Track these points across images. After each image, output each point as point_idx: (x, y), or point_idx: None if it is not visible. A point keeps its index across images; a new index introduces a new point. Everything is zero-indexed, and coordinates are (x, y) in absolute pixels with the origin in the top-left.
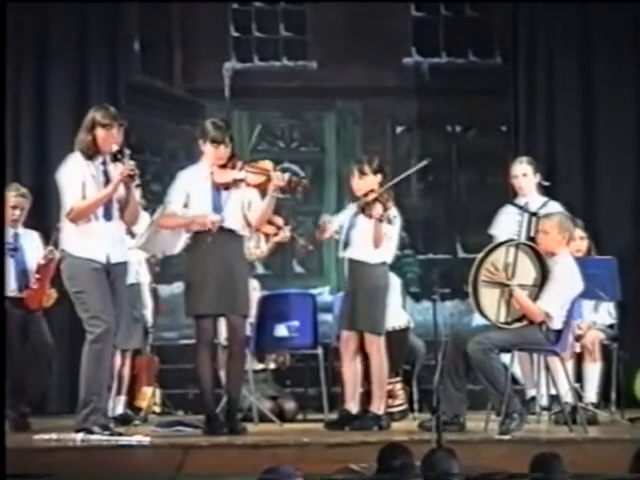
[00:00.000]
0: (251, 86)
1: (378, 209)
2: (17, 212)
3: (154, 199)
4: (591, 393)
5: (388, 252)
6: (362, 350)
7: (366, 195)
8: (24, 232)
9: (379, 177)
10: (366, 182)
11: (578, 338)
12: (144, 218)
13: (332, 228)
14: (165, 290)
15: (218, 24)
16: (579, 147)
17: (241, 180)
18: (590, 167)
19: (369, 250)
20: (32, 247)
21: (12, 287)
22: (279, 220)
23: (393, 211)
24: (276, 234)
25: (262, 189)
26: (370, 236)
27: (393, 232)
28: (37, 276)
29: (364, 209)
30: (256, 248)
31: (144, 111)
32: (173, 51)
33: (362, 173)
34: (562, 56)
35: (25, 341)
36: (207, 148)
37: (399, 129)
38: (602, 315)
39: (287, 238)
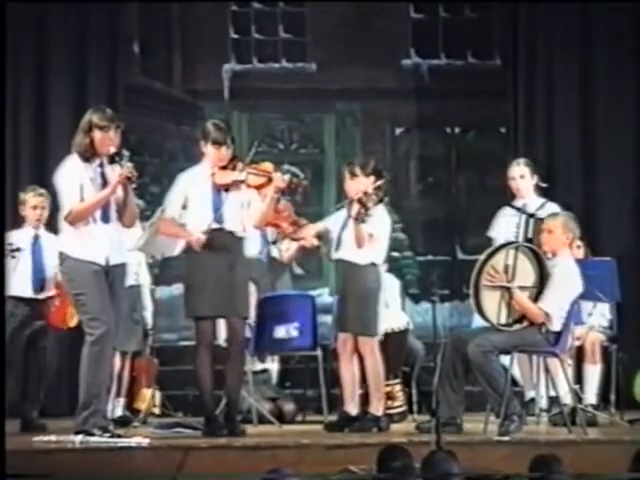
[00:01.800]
0: (250, 88)
1: (355, 208)
2: (38, 212)
3: (153, 200)
4: (590, 395)
5: (377, 253)
6: (359, 351)
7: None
8: (44, 234)
9: (372, 179)
10: (357, 183)
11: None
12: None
13: (309, 234)
14: (164, 292)
15: (217, 26)
16: (578, 148)
17: (241, 181)
18: (589, 168)
19: (358, 251)
20: (50, 249)
21: (28, 288)
22: (302, 222)
23: (376, 211)
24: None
25: (263, 190)
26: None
27: (381, 233)
28: (57, 292)
29: (349, 210)
30: (287, 251)
31: (143, 112)
32: (172, 53)
33: (353, 175)
34: (561, 57)
35: (29, 351)
36: (208, 149)
37: (398, 131)
38: (596, 317)
39: (314, 245)
